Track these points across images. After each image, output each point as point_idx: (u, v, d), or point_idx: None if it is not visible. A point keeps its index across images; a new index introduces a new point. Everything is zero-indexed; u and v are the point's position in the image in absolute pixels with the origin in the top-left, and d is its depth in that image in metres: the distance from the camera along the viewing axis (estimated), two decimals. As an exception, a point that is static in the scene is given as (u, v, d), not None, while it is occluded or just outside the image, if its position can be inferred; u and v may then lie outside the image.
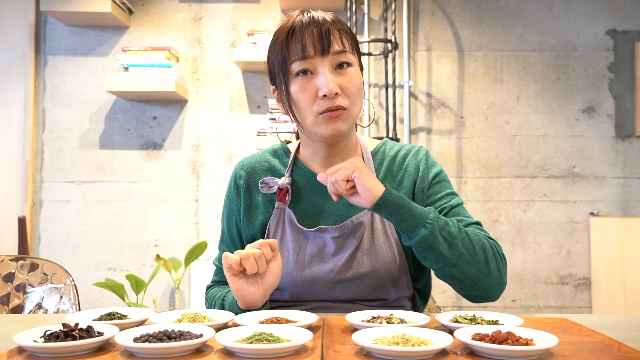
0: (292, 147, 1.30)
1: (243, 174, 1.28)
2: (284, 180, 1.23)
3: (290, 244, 1.19)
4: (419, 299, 1.29)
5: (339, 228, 1.18)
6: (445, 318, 0.95)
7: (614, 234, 3.04)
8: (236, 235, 1.28)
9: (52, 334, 0.82)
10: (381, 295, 1.20)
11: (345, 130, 1.16)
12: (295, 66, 1.14)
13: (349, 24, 2.70)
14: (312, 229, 1.19)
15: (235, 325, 0.95)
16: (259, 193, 1.25)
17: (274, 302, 1.23)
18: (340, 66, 1.14)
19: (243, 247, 1.26)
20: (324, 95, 1.12)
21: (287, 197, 1.22)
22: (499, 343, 0.78)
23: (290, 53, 1.14)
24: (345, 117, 1.15)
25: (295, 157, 1.28)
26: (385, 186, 1.06)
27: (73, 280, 1.42)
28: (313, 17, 1.14)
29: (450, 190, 1.24)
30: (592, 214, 3.10)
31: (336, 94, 1.12)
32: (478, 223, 1.19)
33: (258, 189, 1.26)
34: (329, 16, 1.16)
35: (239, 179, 1.28)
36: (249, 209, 1.26)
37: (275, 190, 1.23)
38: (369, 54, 3.04)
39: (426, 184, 1.23)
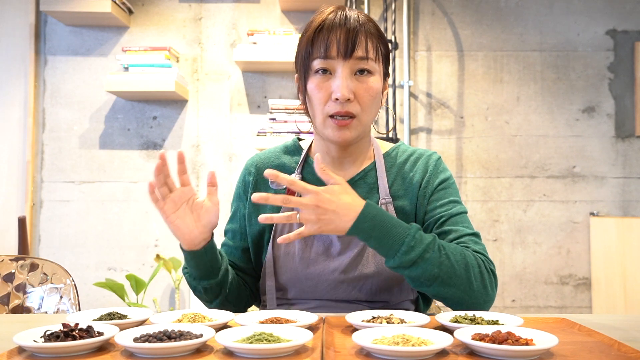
0: (305, 145, 1.31)
1: (253, 170, 1.29)
2: (294, 177, 1.23)
3: (296, 241, 1.19)
4: (422, 302, 1.29)
5: None
6: (445, 318, 0.95)
7: (614, 234, 3.04)
8: (238, 230, 1.29)
9: (52, 334, 0.82)
10: (384, 297, 1.20)
11: (353, 138, 1.16)
12: (316, 63, 1.15)
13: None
14: None
15: (235, 325, 0.95)
16: (269, 189, 1.26)
17: (277, 300, 1.24)
18: (360, 72, 1.14)
19: (245, 242, 1.28)
20: (336, 99, 1.12)
21: (296, 193, 1.22)
22: (499, 343, 0.78)
23: (314, 50, 1.14)
24: (354, 126, 1.15)
25: (307, 155, 1.28)
26: (355, 217, 1.03)
27: (73, 280, 1.42)
28: (345, 17, 1.14)
29: (454, 198, 1.22)
30: (592, 214, 3.10)
31: (348, 99, 1.12)
32: (476, 234, 1.17)
33: (267, 185, 1.26)
34: (362, 18, 1.15)
35: (248, 176, 1.29)
36: (256, 205, 1.26)
37: (284, 186, 1.23)
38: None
39: (430, 189, 1.22)
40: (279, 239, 1.03)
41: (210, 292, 1.18)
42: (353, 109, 1.13)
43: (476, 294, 1.08)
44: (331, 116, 1.14)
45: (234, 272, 1.26)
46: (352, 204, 1.04)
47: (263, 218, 1.04)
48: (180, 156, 1.11)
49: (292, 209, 1.09)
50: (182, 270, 1.22)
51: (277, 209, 1.24)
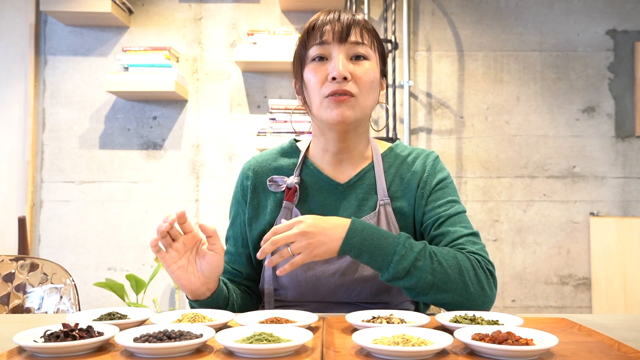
0: (302, 146, 1.30)
1: (250, 174, 1.28)
2: (293, 180, 1.22)
3: None
4: (422, 302, 1.28)
5: None
6: (445, 318, 0.95)
7: (614, 234, 3.04)
8: (239, 235, 1.28)
9: (52, 334, 0.82)
10: (384, 299, 1.20)
11: (351, 118, 1.15)
12: (312, 51, 1.16)
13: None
14: None
15: (235, 325, 0.95)
16: (267, 192, 1.25)
17: (277, 302, 1.24)
18: (356, 58, 1.16)
19: (247, 248, 1.27)
20: (333, 78, 1.13)
21: (295, 196, 1.22)
22: (499, 343, 0.78)
23: (310, 39, 1.17)
24: (352, 105, 1.14)
25: (305, 157, 1.27)
26: (343, 236, 1.05)
27: (73, 280, 1.42)
28: (340, 13, 1.17)
29: (452, 198, 1.21)
30: (592, 214, 3.10)
31: (345, 78, 1.13)
32: (474, 234, 1.17)
33: (266, 189, 1.25)
34: (358, 16, 1.18)
35: (246, 180, 1.28)
36: (256, 209, 1.25)
37: (283, 188, 1.23)
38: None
39: (428, 189, 1.21)
40: (278, 272, 1.06)
41: None
42: (351, 88, 1.14)
43: (474, 296, 1.07)
44: (328, 96, 1.14)
45: (238, 288, 1.26)
46: (338, 222, 1.06)
47: (267, 263, 1.07)
48: (181, 217, 1.05)
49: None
50: (189, 304, 1.19)
51: (275, 214, 1.23)
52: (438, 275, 1.05)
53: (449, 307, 1.09)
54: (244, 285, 1.28)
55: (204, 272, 1.08)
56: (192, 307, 1.17)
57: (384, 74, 1.24)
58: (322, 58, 1.16)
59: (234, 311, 1.18)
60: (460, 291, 1.06)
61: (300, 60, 1.19)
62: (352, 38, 1.15)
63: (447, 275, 1.05)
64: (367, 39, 1.17)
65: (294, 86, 1.25)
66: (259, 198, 1.26)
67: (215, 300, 1.12)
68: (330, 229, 1.05)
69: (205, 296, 1.10)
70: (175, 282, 1.10)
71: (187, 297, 1.13)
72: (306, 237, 1.03)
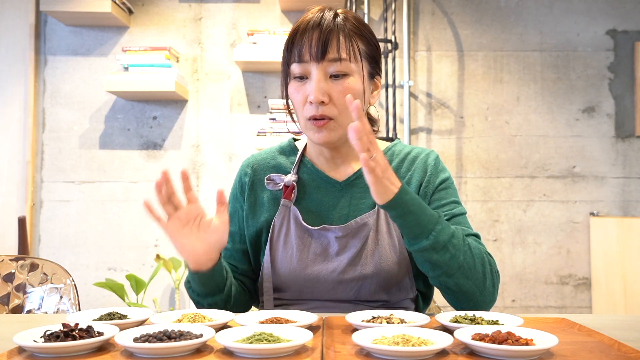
0: (300, 145, 1.31)
1: (249, 171, 1.29)
2: (290, 178, 1.23)
3: (294, 242, 1.19)
4: (421, 301, 1.29)
5: (343, 228, 1.17)
6: (445, 318, 0.95)
7: (614, 234, 3.04)
8: (237, 231, 1.28)
9: (52, 334, 0.82)
10: (384, 297, 1.20)
11: (334, 140, 1.16)
12: (293, 68, 1.16)
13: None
14: (316, 228, 1.19)
15: (235, 325, 0.95)
16: (265, 190, 1.26)
17: (276, 300, 1.24)
18: (335, 76, 1.14)
19: (244, 244, 1.28)
20: (311, 102, 1.13)
21: (292, 194, 1.22)
22: (499, 343, 0.78)
23: (291, 55, 1.16)
24: (332, 128, 1.15)
25: (303, 155, 1.28)
26: (399, 187, 1.01)
27: (73, 280, 1.42)
28: (321, 19, 1.14)
29: (455, 199, 1.22)
30: (592, 214, 3.10)
31: (322, 102, 1.12)
32: (477, 235, 1.18)
33: (264, 186, 1.26)
34: (340, 18, 1.15)
35: (244, 177, 1.29)
36: (253, 206, 1.26)
37: (281, 187, 1.23)
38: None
39: (431, 189, 1.22)
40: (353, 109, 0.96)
41: (215, 307, 1.17)
42: (329, 112, 1.13)
43: (486, 292, 1.09)
44: (309, 119, 1.15)
45: (234, 279, 1.26)
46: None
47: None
48: (183, 174, 1.08)
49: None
50: (184, 285, 1.20)
51: (273, 212, 1.23)
52: (467, 259, 1.06)
53: (461, 297, 1.09)
54: (240, 280, 1.28)
55: (209, 240, 1.07)
56: (188, 286, 1.17)
57: (374, 75, 1.21)
58: (302, 77, 1.15)
59: (229, 298, 1.18)
60: (479, 282, 1.08)
61: (284, 71, 1.19)
62: (330, 55, 1.12)
63: (474, 261, 1.07)
64: (347, 51, 1.13)
65: (281, 92, 1.25)
66: (256, 195, 1.26)
67: (215, 275, 1.12)
68: (393, 175, 1.01)
69: (207, 267, 1.10)
70: (178, 252, 1.09)
71: (188, 269, 1.12)
72: (380, 165, 0.99)
